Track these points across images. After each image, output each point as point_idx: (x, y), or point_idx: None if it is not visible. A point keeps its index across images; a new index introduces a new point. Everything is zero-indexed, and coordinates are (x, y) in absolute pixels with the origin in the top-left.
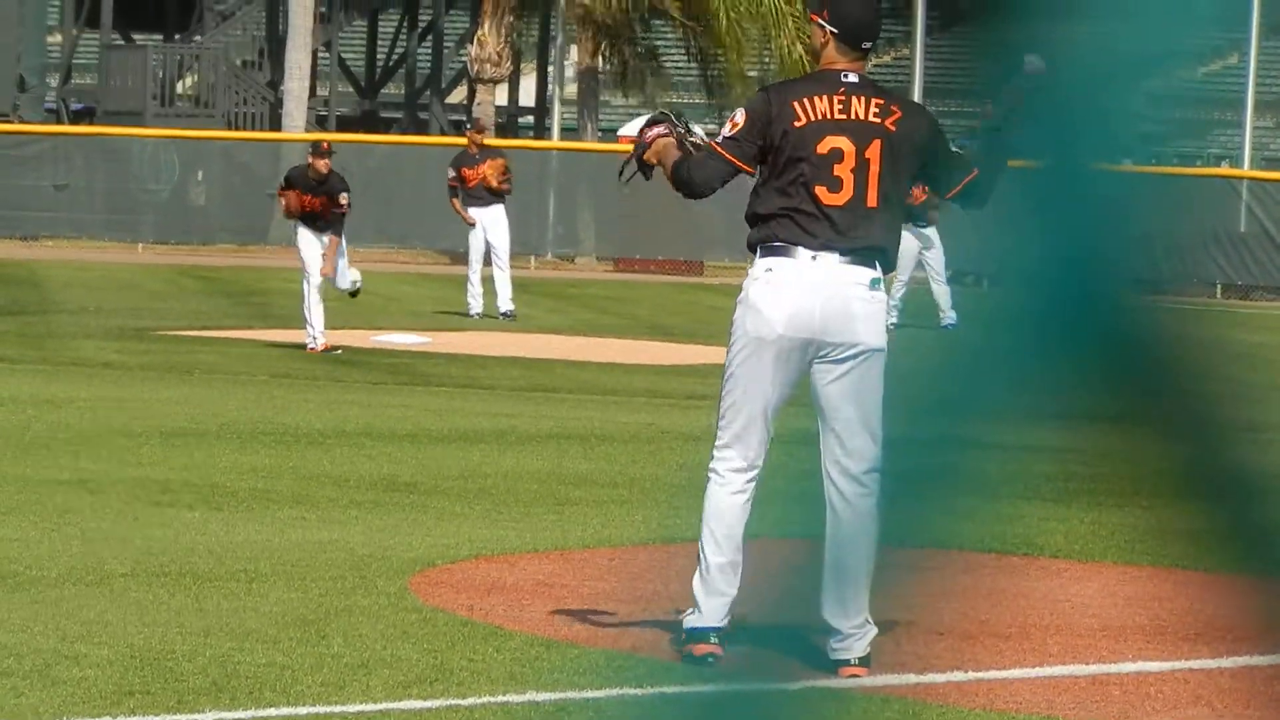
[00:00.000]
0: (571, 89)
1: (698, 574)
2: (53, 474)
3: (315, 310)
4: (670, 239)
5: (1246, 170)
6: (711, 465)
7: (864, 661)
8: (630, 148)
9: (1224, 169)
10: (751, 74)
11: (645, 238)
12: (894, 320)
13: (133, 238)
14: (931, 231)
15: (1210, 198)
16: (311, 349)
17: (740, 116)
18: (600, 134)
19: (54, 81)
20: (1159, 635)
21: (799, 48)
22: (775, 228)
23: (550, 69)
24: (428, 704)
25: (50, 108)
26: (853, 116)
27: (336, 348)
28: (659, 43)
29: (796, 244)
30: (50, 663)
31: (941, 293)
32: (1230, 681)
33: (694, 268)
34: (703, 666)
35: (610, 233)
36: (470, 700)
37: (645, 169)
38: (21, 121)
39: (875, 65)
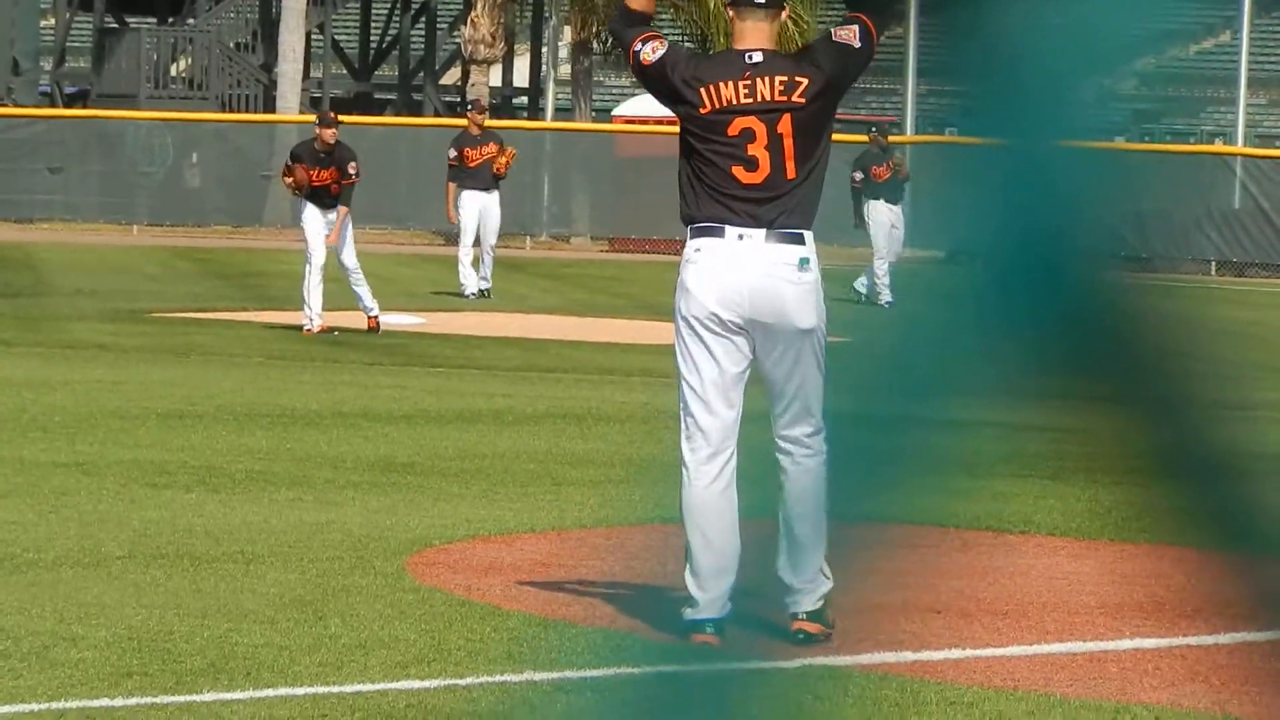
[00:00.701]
0: (565, 70)
1: (688, 569)
2: (49, 456)
3: (315, 292)
4: (664, 219)
5: (1240, 147)
6: (681, 460)
7: (814, 616)
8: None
9: (1218, 146)
10: None
11: (639, 218)
12: (889, 298)
13: (127, 220)
14: (899, 210)
15: (1204, 175)
16: (308, 330)
17: (663, 48)
18: (594, 114)
19: (48, 65)
20: (1156, 612)
21: (791, 27)
22: (702, 206)
23: (544, 50)
24: (425, 684)
25: (44, 91)
26: (759, 99)
27: (334, 329)
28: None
29: (723, 223)
30: (48, 645)
31: (889, 274)
32: (1227, 658)
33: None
34: (700, 647)
35: (605, 213)
36: (468, 680)
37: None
38: (15, 105)
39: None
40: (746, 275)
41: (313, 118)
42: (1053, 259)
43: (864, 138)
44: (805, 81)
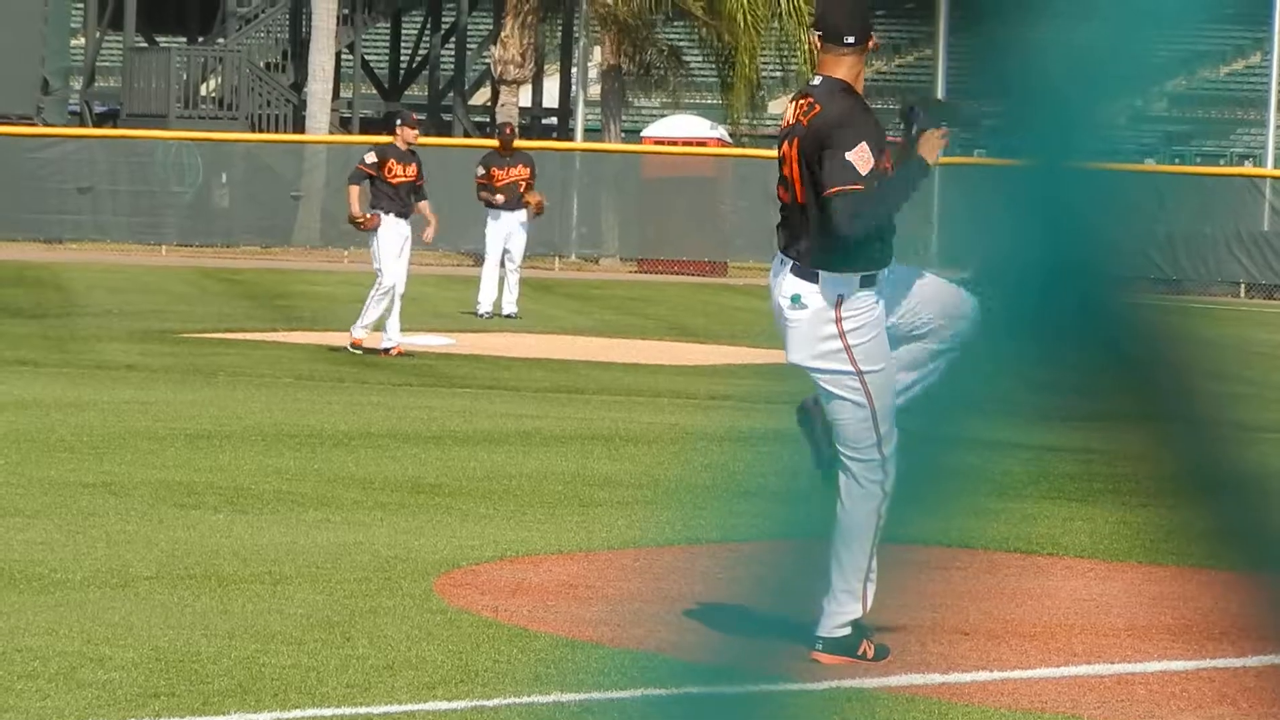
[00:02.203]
0: (595, 90)
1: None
2: (77, 476)
3: (374, 309)
4: (693, 240)
5: (1270, 170)
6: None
7: (822, 645)
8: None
9: (1247, 169)
10: (776, 75)
11: (668, 238)
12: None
13: (156, 240)
14: None
15: (1234, 197)
16: (395, 350)
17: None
18: (624, 135)
19: (78, 84)
20: (1184, 634)
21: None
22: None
23: (574, 70)
24: (453, 705)
25: (74, 110)
26: (794, 120)
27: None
28: (683, 43)
29: (779, 247)
30: (75, 665)
31: None
32: (1255, 680)
33: (717, 268)
34: (733, 668)
35: (633, 234)
36: (495, 701)
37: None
38: (45, 124)
39: (898, 65)
40: (772, 301)
41: (344, 138)
42: (1081, 281)
43: None
44: (818, 108)
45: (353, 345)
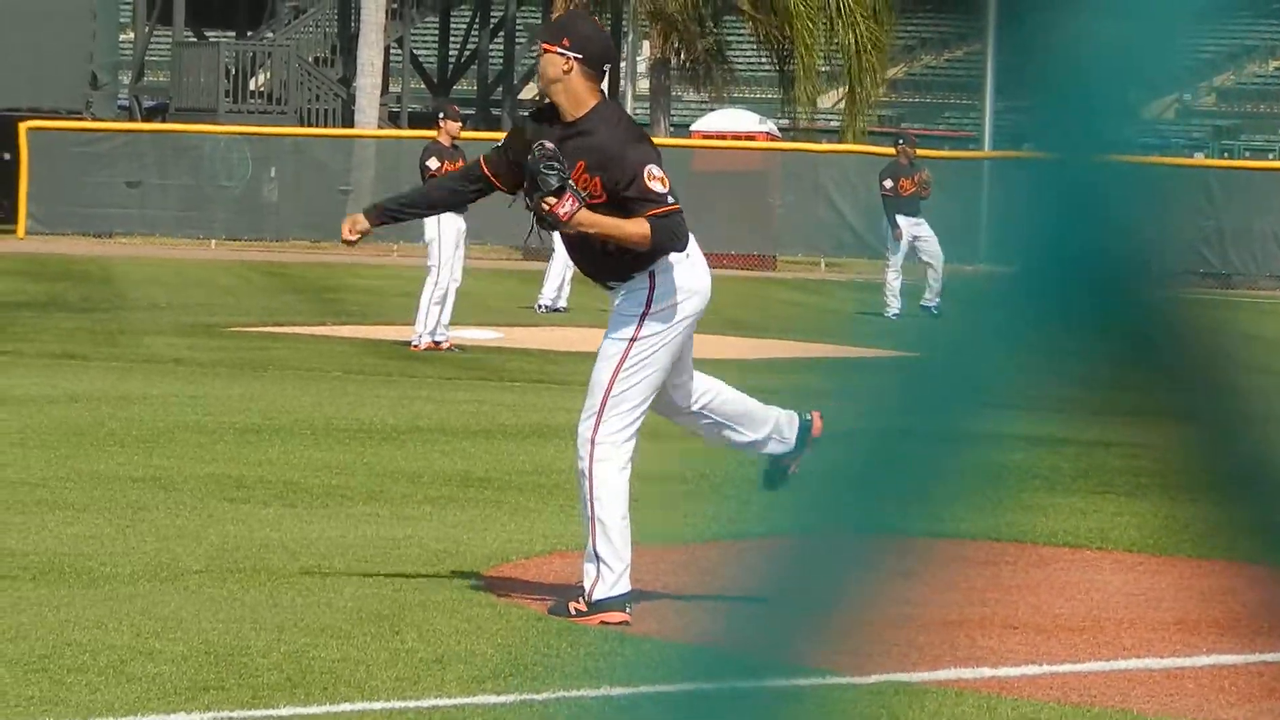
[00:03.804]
0: (643, 84)
1: (606, 543)
2: (126, 470)
3: (434, 310)
4: (742, 234)
5: None
6: (622, 442)
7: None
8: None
9: None
10: (823, 70)
11: (717, 232)
12: (895, 309)
13: (205, 234)
14: (924, 221)
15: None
16: (415, 346)
17: (661, 172)
18: (672, 129)
19: (127, 79)
20: (1233, 628)
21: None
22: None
23: (622, 64)
24: (502, 699)
25: (123, 105)
26: None
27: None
28: (731, 37)
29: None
30: (125, 659)
31: (937, 277)
32: None
33: (766, 262)
34: (780, 661)
35: None
36: (544, 695)
37: (551, 226)
38: (94, 119)
39: (947, 59)
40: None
41: (393, 133)
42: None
43: (891, 150)
44: None
45: (427, 349)
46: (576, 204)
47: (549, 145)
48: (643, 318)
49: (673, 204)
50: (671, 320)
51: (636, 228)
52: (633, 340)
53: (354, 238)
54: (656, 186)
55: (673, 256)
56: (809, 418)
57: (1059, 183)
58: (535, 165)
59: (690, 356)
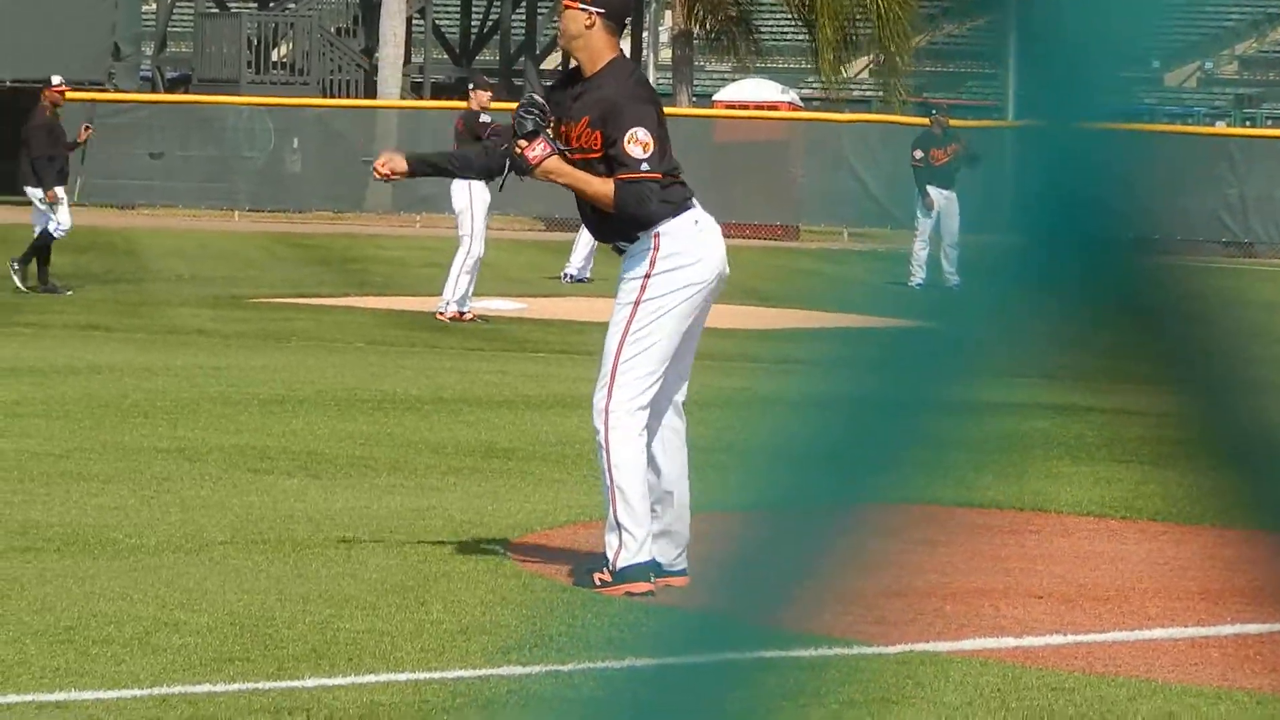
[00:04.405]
0: (666, 54)
1: (626, 511)
2: (151, 442)
3: (464, 279)
4: (764, 204)
5: None
6: (636, 409)
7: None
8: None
9: None
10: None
11: (739, 203)
12: (920, 279)
13: (228, 205)
14: (953, 195)
15: None
16: (469, 316)
17: (647, 137)
18: (695, 99)
19: (149, 50)
20: (1258, 598)
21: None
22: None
23: (645, 34)
24: (527, 670)
25: (145, 76)
26: None
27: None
28: (754, 7)
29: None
30: (150, 630)
31: (954, 255)
32: None
33: (789, 232)
34: (806, 631)
35: (704, 198)
36: (570, 666)
37: (522, 171)
38: (117, 90)
39: (969, 29)
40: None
41: (415, 103)
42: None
43: (925, 120)
44: None
45: (452, 319)
46: (549, 150)
47: (537, 97)
48: (646, 278)
49: (646, 171)
50: (677, 285)
51: (603, 187)
52: (637, 304)
53: (386, 173)
54: (635, 151)
55: (681, 221)
56: (663, 574)
57: (1051, 150)
58: (517, 111)
59: (693, 344)
